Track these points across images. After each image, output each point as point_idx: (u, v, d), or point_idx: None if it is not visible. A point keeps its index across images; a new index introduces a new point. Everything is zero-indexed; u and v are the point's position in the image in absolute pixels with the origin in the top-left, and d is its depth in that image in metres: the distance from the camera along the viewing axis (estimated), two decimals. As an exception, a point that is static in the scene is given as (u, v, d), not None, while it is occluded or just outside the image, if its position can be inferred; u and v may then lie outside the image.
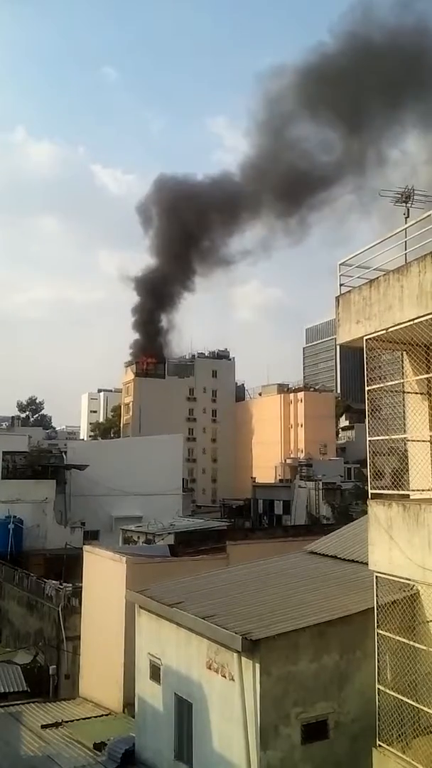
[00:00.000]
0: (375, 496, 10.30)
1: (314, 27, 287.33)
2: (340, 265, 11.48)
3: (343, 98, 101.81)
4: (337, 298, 11.37)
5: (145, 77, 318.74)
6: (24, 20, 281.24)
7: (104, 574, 19.88)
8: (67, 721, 17.80)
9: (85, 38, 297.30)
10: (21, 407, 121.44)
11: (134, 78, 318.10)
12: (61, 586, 26.37)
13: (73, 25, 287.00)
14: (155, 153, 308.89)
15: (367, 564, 10.50)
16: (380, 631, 10.02)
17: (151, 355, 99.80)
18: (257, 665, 11.00)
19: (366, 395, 10.46)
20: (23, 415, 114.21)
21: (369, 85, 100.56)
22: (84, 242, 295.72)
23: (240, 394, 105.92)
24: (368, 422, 10.52)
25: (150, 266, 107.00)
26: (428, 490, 10.07)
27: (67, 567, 29.34)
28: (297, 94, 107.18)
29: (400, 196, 11.96)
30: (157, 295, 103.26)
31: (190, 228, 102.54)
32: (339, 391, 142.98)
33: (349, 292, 11.16)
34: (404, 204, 11.81)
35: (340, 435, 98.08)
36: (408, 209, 11.69)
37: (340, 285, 11.39)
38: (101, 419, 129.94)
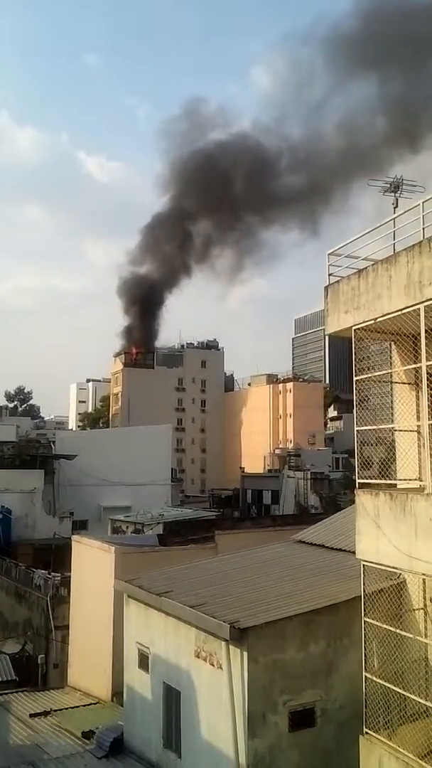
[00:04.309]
0: (362, 486, 10.33)
1: (302, 13, 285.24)
2: (329, 254, 11.45)
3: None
4: (326, 288, 11.35)
5: (127, 64, 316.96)
6: (5, 5, 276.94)
7: (93, 563, 19.88)
8: (55, 710, 17.83)
9: (68, 24, 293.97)
10: (9, 397, 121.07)
11: (117, 65, 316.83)
12: (50, 576, 26.36)
13: (55, 10, 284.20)
14: (141, 140, 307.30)
15: (354, 553, 10.54)
16: (367, 620, 10.08)
17: (140, 345, 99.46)
18: (245, 653, 11.05)
19: (354, 385, 10.47)
20: (11, 405, 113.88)
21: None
22: (69, 230, 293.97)
23: (229, 384, 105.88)
24: (356, 412, 10.54)
25: (143, 255, 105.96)
26: (415, 479, 10.11)
27: (55, 557, 29.31)
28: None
29: (389, 185, 11.92)
30: (149, 285, 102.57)
31: (195, 216, 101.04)
32: (327, 381, 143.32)
33: (337, 282, 11.14)
34: (393, 194, 11.77)
35: (328, 425, 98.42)
36: (397, 199, 11.66)
37: (329, 275, 11.37)
38: (90, 409, 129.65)
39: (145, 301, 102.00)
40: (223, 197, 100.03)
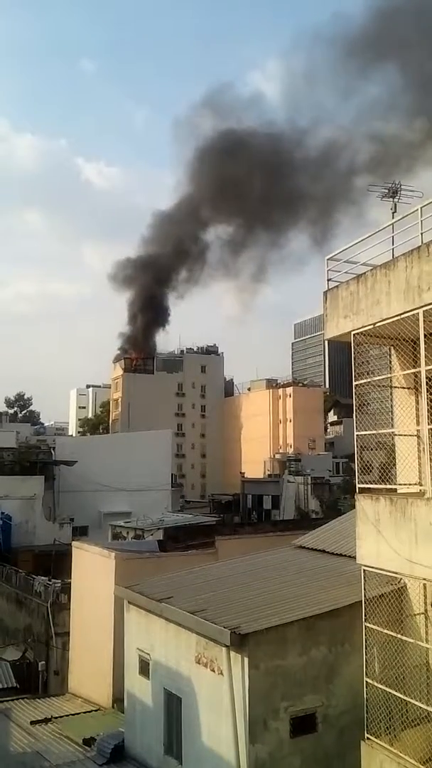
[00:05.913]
0: (363, 491, 10.34)
1: (300, 18, 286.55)
2: (327, 260, 11.48)
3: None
4: (325, 293, 11.38)
5: (125, 69, 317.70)
6: (3, 8, 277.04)
7: (93, 569, 19.85)
8: (56, 717, 17.77)
9: (65, 30, 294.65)
10: (9, 403, 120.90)
11: (114, 70, 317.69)
12: (50, 582, 26.32)
13: (51, 15, 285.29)
14: (140, 145, 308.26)
15: (355, 558, 10.54)
16: (368, 625, 10.07)
17: (140, 350, 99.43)
18: (246, 659, 11.02)
19: (354, 390, 10.49)
20: (11, 411, 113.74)
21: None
22: (68, 236, 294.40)
23: (229, 389, 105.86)
24: (356, 417, 10.56)
25: (144, 259, 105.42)
26: (415, 484, 10.13)
27: (55, 563, 29.31)
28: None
29: (387, 191, 11.97)
30: (149, 289, 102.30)
31: (204, 215, 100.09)
32: (327, 386, 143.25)
33: (336, 287, 11.17)
34: (391, 199, 11.82)
35: (328, 430, 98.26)
36: (395, 204, 11.70)
37: (328, 280, 11.40)
38: (90, 415, 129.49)
39: (151, 282, 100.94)
40: (235, 199, 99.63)
